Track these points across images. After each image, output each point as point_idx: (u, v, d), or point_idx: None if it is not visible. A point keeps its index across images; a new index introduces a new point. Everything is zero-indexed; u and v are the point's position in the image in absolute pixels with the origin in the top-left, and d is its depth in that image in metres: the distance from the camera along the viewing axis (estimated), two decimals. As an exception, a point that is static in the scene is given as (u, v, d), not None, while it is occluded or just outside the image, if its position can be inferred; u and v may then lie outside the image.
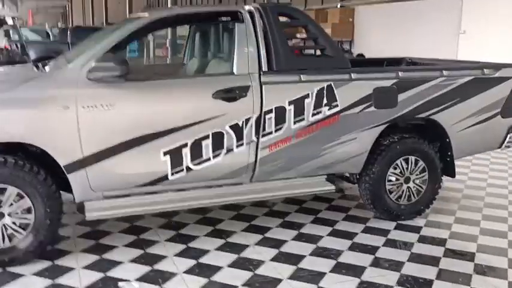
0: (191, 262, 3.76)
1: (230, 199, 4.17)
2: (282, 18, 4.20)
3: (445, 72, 4.55)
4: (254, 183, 4.19)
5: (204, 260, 3.79)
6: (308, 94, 4.09)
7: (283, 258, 3.84)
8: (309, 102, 4.10)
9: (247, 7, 4.14)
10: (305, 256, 3.88)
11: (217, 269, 3.65)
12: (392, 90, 4.35)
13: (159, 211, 3.97)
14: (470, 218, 4.79)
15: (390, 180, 4.55)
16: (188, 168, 3.86)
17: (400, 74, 4.41)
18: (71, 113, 3.50)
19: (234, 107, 3.91)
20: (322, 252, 3.96)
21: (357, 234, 4.33)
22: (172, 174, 3.82)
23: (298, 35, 4.55)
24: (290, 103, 4.05)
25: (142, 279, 3.49)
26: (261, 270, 3.63)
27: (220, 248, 3.99)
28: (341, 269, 3.70)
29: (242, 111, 3.93)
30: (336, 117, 4.21)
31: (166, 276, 3.55)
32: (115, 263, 3.71)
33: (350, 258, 3.87)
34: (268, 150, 4.06)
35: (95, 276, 3.52)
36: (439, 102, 4.51)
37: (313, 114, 4.13)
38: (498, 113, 4.78)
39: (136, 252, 3.89)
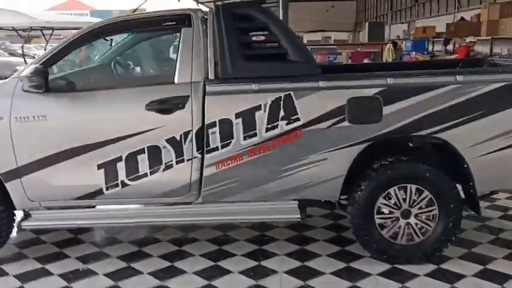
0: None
1: (175, 219, 3.85)
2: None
3: (459, 78, 3.49)
4: (204, 204, 3.78)
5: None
6: (260, 105, 3.53)
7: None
8: (262, 115, 3.53)
9: (204, 9, 3.77)
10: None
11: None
12: (375, 101, 3.49)
13: (98, 226, 3.86)
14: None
15: (381, 213, 3.66)
16: (124, 184, 3.65)
17: (389, 80, 3.52)
18: (4, 123, 3.61)
19: (170, 119, 3.57)
20: None
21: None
22: (107, 188, 3.66)
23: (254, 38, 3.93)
24: (237, 116, 3.54)
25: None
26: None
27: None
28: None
29: (179, 124, 3.57)
30: (298, 133, 3.55)
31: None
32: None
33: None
34: (215, 168, 3.61)
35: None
36: (450, 117, 3.49)
37: (268, 129, 3.54)
38: (548, 133, 3.49)
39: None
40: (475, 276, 3.54)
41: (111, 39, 4.14)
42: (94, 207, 4.00)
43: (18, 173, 3.65)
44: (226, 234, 4.31)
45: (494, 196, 5.17)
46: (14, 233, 4.00)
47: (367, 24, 14.06)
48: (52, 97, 3.63)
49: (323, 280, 3.52)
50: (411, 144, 3.81)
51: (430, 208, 3.63)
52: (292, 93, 3.52)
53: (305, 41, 15.17)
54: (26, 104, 3.62)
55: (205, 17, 3.75)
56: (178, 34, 3.73)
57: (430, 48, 18.41)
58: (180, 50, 3.66)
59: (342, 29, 36.91)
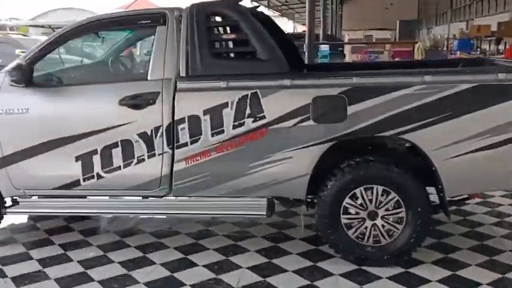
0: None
1: (146, 212, 3.97)
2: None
3: (426, 78, 3.41)
4: (176, 198, 3.88)
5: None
6: (227, 103, 3.59)
7: None
8: (229, 113, 3.59)
9: (181, 8, 3.85)
10: None
11: None
12: (339, 100, 3.47)
13: (73, 215, 4.06)
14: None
15: (348, 213, 3.63)
16: (99, 176, 3.81)
17: (355, 79, 3.49)
18: None
19: (142, 114, 3.70)
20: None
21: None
22: (84, 180, 3.83)
23: (224, 36, 3.96)
24: (205, 112, 3.61)
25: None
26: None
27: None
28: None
29: (150, 119, 3.69)
30: (264, 131, 3.58)
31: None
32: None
33: None
34: (184, 164, 3.71)
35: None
36: (416, 118, 3.41)
37: (235, 127, 3.60)
38: (522, 136, 3.34)
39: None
40: (439, 281, 3.44)
41: (103, 37, 4.31)
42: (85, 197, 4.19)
43: (3, 162, 3.89)
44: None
45: (492, 201, 5.04)
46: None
47: (397, 22, 13.74)
48: (34, 91, 3.84)
49: (283, 277, 3.53)
50: (373, 145, 3.75)
51: (397, 210, 3.57)
52: (258, 91, 3.56)
53: (346, 40, 14.97)
54: (11, 97, 3.85)
55: (181, 15, 3.84)
56: (153, 31, 3.84)
57: (485, 47, 17.77)
58: (154, 48, 3.78)
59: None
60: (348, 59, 14.63)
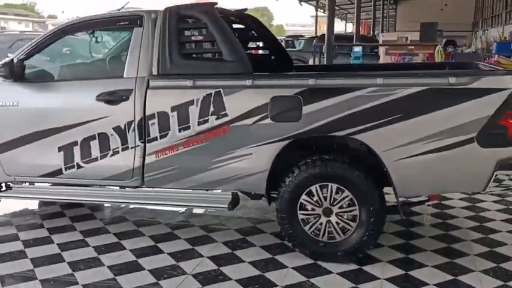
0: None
1: (122, 201, 4.23)
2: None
3: (378, 80, 3.50)
4: (148, 189, 4.13)
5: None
6: (193, 100, 3.80)
7: None
8: (194, 110, 3.80)
9: (158, 11, 4.09)
10: None
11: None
12: (295, 100, 3.61)
13: (54, 201, 4.38)
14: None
15: (305, 209, 3.76)
16: (79, 165, 4.11)
17: (310, 81, 3.62)
18: None
19: (116, 109, 3.97)
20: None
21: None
22: (65, 169, 4.15)
23: (193, 38, 4.15)
24: (173, 109, 3.84)
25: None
26: None
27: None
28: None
29: (124, 114, 3.96)
30: (226, 128, 3.76)
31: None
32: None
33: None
34: (155, 157, 3.95)
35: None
36: (368, 119, 3.51)
37: (200, 123, 3.80)
38: (472, 140, 3.38)
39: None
40: (388, 279, 3.53)
41: (96, 37, 4.61)
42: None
43: None
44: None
45: (479, 205, 5.03)
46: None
47: (419, 24, 13.50)
48: (24, 86, 4.19)
49: (235, 268, 3.72)
50: (331, 145, 3.85)
51: (351, 208, 3.68)
52: (221, 90, 3.75)
53: (381, 41, 14.87)
54: (5, 91, 4.21)
55: (157, 17, 4.08)
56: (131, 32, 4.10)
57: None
58: (130, 48, 4.04)
59: (458, 29, 35.18)
60: (382, 60, 14.53)
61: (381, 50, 14.52)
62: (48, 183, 4.35)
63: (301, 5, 36.59)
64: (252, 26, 5.15)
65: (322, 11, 42.41)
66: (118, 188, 4.31)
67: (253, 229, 4.45)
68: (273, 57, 5.25)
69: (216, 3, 4.12)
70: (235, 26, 4.81)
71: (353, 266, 3.70)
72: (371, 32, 32.61)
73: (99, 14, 4.25)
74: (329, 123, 3.56)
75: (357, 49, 13.85)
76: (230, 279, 3.55)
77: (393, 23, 45.99)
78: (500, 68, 3.51)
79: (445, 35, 22.21)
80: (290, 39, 21.60)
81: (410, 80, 3.53)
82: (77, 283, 3.51)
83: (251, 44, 5.53)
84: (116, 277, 3.59)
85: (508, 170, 3.39)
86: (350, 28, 54.27)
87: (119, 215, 4.79)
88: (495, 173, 3.38)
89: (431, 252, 3.97)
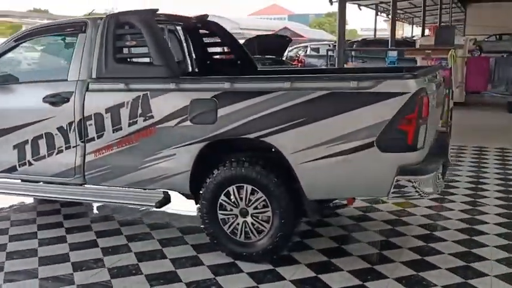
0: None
1: (64, 197, 4.47)
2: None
3: (286, 84, 3.56)
4: (91, 186, 4.36)
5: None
6: (124, 103, 4.01)
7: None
8: (125, 112, 4.01)
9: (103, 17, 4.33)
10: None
11: None
12: (211, 103, 3.73)
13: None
14: None
15: (224, 209, 3.86)
16: (30, 163, 4.43)
17: (226, 84, 3.72)
18: None
19: (59, 111, 4.24)
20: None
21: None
22: (19, 166, 4.47)
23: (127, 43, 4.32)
24: (107, 111, 4.07)
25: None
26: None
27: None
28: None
29: (65, 115, 4.22)
30: (153, 130, 3.94)
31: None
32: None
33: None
34: (93, 156, 4.19)
35: None
36: (274, 122, 3.58)
37: (130, 124, 4.00)
38: (372, 144, 3.36)
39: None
40: (292, 281, 3.56)
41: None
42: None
43: None
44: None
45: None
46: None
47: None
48: (-14, 89, 4.56)
49: (152, 263, 3.88)
50: (248, 147, 3.91)
51: (264, 210, 3.74)
52: (148, 93, 3.93)
53: (418, 46, 14.50)
54: None
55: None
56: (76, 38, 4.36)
57: None
58: (74, 52, 4.31)
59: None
60: (419, 64, 14.17)
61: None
62: (5, 178, 4.68)
63: (360, 9, 36.05)
64: (215, 32, 5.31)
65: (384, 15, 41.69)
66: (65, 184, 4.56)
67: (188, 228, 4.57)
68: (238, 62, 5.37)
69: (157, 10, 4.31)
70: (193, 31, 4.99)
71: (269, 267, 3.77)
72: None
73: (50, 21, 4.55)
74: (241, 125, 3.66)
75: (392, 54, 13.61)
76: (142, 273, 3.73)
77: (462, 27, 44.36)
78: (412, 73, 3.45)
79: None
80: (333, 42, 21.49)
81: (315, 84, 3.56)
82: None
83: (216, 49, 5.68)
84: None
85: (409, 175, 3.35)
86: (418, 31, 52.80)
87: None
88: (395, 179, 3.35)
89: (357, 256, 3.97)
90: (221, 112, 3.70)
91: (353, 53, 15.97)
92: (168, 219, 4.83)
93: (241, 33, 32.46)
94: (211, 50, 5.47)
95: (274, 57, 15.62)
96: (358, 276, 3.63)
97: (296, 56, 21.10)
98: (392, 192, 3.40)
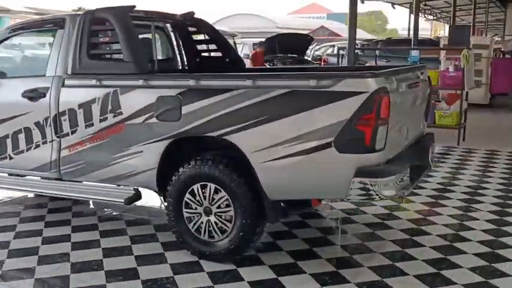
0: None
1: (39, 191, 4.53)
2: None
3: (247, 82, 3.49)
4: (67, 181, 4.39)
5: None
6: (95, 99, 4.02)
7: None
8: (96, 108, 4.02)
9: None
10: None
11: None
12: (176, 100, 3.70)
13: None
14: None
15: (190, 208, 3.82)
16: (10, 157, 4.50)
17: (190, 82, 3.69)
18: None
19: (36, 106, 4.29)
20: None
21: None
22: (0, 159, 4.55)
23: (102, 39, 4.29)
24: (80, 106, 4.09)
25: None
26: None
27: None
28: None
29: (42, 110, 4.27)
30: (122, 126, 3.95)
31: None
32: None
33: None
34: (68, 151, 4.22)
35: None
36: (236, 120, 3.52)
37: (101, 120, 4.02)
38: (330, 144, 3.26)
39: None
40: (249, 282, 3.50)
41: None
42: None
43: None
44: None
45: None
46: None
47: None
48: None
49: (117, 260, 3.87)
50: (212, 145, 3.85)
51: (227, 209, 3.69)
52: (118, 89, 3.93)
53: (442, 45, 14.12)
54: None
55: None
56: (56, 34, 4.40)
57: None
58: (52, 48, 4.35)
59: None
60: (443, 65, 13.78)
61: (442, 55, 13.80)
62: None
63: (394, 8, 35.45)
64: (202, 29, 5.28)
65: (423, 15, 40.94)
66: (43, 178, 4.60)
67: (164, 226, 4.48)
68: (224, 58, 5.34)
69: (133, 7, 4.31)
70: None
71: (231, 267, 3.72)
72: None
73: (32, 18, 4.61)
74: (204, 123, 3.61)
75: (414, 53, 13.28)
76: (103, 269, 3.74)
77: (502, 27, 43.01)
78: (373, 71, 3.33)
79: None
80: (361, 42, 21.19)
81: (275, 82, 3.48)
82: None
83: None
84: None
85: (366, 177, 3.24)
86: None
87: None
88: (353, 180, 3.25)
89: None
90: (185, 109, 3.67)
91: (377, 52, 15.68)
92: (148, 216, 4.84)
93: (278, 32, 32.28)
94: (199, 47, 5.44)
95: (296, 56, 15.51)
96: (318, 280, 3.54)
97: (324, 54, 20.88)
98: (350, 194, 3.30)
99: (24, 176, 4.65)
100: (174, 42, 5.33)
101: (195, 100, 3.64)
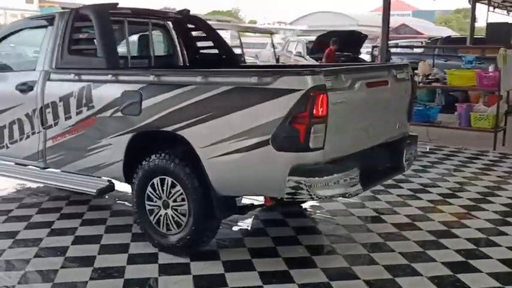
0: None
1: (25, 178, 4.80)
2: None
3: (198, 78, 3.53)
4: (52, 170, 4.62)
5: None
6: (72, 92, 4.21)
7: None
8: (73, 101, 4.22)
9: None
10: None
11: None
12: (137, 95, 3.81)
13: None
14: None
15: (150, 200, 3.91)
16: (7, 146, 4.81)
17: (151, 77, 3.78)
18: None
19: (26, 98, 4.56)
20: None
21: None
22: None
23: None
24: (60, 99, 4.30)
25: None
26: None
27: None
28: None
29: (30, 103, 4.53)
30: (94, 119, 4.12)
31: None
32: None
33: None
34: (52, 142, 4.45)
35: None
36: (187, 116, 3.57)
37: (77, 113, 4.21)
38: (267, 142, 3.24)
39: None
40: (195, 276, 3.54)
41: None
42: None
43: None
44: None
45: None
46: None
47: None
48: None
49: (82, 248, 4.02)
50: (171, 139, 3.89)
51: (182, 203, 3.74)
52: (91, 84, 4.10)
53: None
54: None
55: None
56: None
57: None
58: (42, 44, 4.59)
59: None
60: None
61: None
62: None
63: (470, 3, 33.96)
64: (198, 26, 5.36)
65: (501, 9, 38.80)
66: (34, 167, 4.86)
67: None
68: (221, 55, 5.39)
69: (116, 4, 4.47)
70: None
71: (184, 260, 3.77)
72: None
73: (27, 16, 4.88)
74: (160, 118, 3.70)
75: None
76: (63, 255, 3.90)
77: None
78: (313, 69, 3.26)
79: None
80: (426, 40, 20.37)
81: (222, 78, 3.49)
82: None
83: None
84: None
85: (299, 176, 3.18)
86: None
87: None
88: (288, 179, 3.20)
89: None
90: (144, 104, 3.77)
91: (436, 51, 15.00)
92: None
93: (359, 29, 31.70)
94: (196, 44, 5.52)
95: (350, 54, 15.23)
96: (264, 278, 3.52)
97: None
98: (288, 193, 3.25)
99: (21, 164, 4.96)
100: (174, 39, 5.45)
101: (153, 95, 3.73)
